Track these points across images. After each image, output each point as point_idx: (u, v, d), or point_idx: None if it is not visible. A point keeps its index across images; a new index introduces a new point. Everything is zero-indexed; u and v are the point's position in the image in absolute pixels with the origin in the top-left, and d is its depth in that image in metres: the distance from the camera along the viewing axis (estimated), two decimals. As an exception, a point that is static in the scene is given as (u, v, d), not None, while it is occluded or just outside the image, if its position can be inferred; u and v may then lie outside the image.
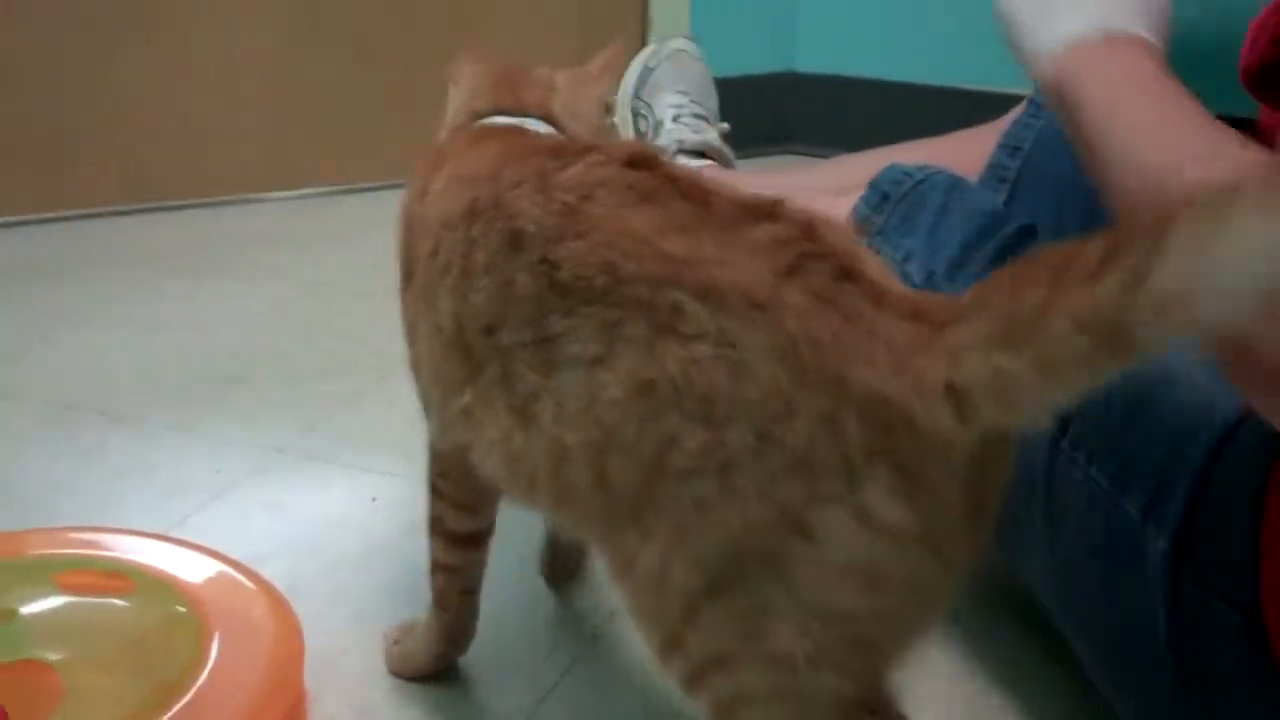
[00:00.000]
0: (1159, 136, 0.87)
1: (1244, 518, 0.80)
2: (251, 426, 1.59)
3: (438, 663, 1.15)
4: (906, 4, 2.58)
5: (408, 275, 1.05)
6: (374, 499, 1.44)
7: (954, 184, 1.28)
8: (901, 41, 2.53)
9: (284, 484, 1.47)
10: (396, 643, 1.17)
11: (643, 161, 0.89)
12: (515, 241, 0.90)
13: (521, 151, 0.96)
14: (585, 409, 0.84)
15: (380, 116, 2.36)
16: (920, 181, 1.29)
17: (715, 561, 0.80)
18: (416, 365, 1.05)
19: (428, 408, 1.06)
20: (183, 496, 1.42)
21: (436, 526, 1.13)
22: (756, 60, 2.66)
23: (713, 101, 1.96)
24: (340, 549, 1.34)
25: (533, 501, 0.91)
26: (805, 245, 0.80)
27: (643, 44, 2.40)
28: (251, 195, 2.39)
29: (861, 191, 1.32)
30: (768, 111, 2.64)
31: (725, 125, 1.94)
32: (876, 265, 0.81)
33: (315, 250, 2.19)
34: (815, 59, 2.71)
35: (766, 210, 0.83)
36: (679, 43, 2.07)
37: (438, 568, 1.14)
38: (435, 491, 1.12)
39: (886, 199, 1.29)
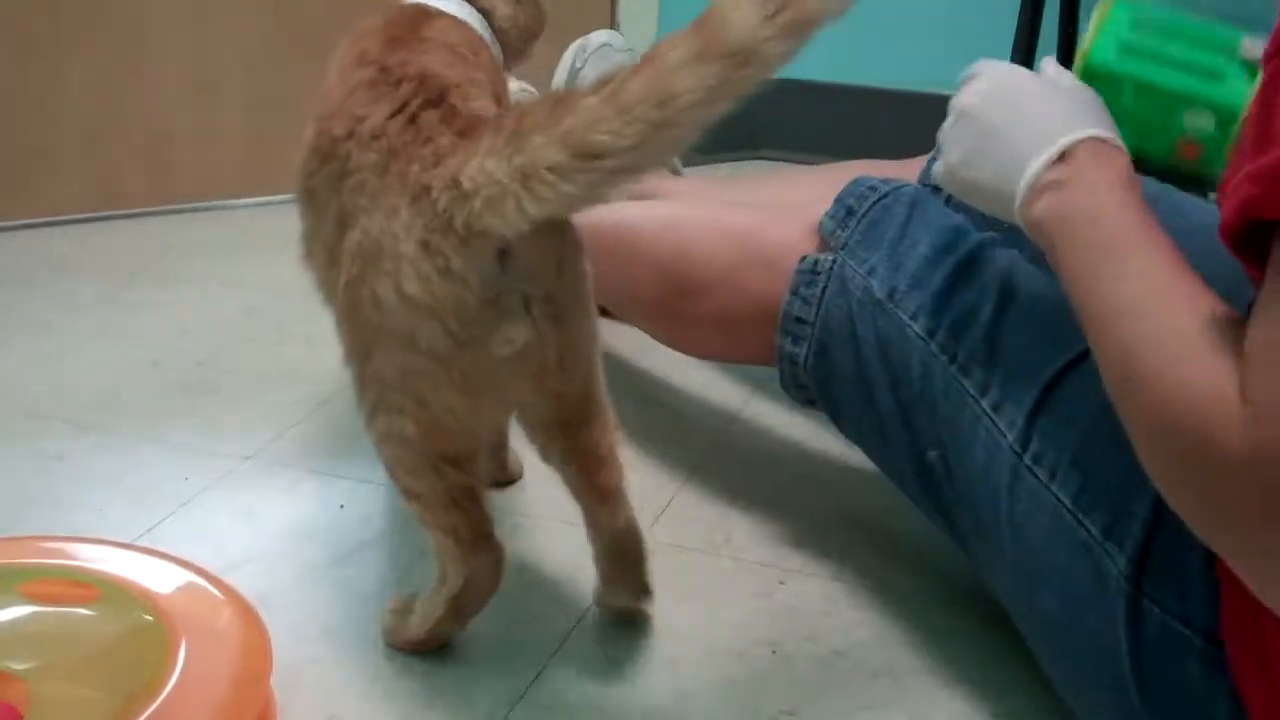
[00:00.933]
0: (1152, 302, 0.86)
1: (1201, 543, 0.81)
2: (219, 434, 1.59)
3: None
4: (876, 6, 2.59)
5: None
6: (342, 506, 1.43)
7: (918, 198, 1.28)
8: (871, 44, 2.53)
9: (252, 491, 1.46)
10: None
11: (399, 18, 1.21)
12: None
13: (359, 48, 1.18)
14: (325, 245, 1.13)
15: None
16: (884, 195, 1.29)
17: (343, 329, 1.09)
18: None
19: None
20: (150, 505, 1.42)
21: None
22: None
23: None
24: (309, 557, 1.33)
25: None
26: (415, 88, 1.06)
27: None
28: (220, 201, 2.38)
29: (829, 202, 1.32)
30: (733, 115, 2.63)
31: None
32: (473, 97, 1.08)
33: (284, 256, 2.16)
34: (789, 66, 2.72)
35: (416, 75, 1.09)
36: (603, 36, 2.07)
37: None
38: None
39: (851, 213, 1.30)
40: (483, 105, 1.10)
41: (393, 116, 1.05)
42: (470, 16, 1.30)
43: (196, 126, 2.35)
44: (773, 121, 2.66)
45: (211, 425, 1.61)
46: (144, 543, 1.31)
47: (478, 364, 1.02)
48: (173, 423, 1.61)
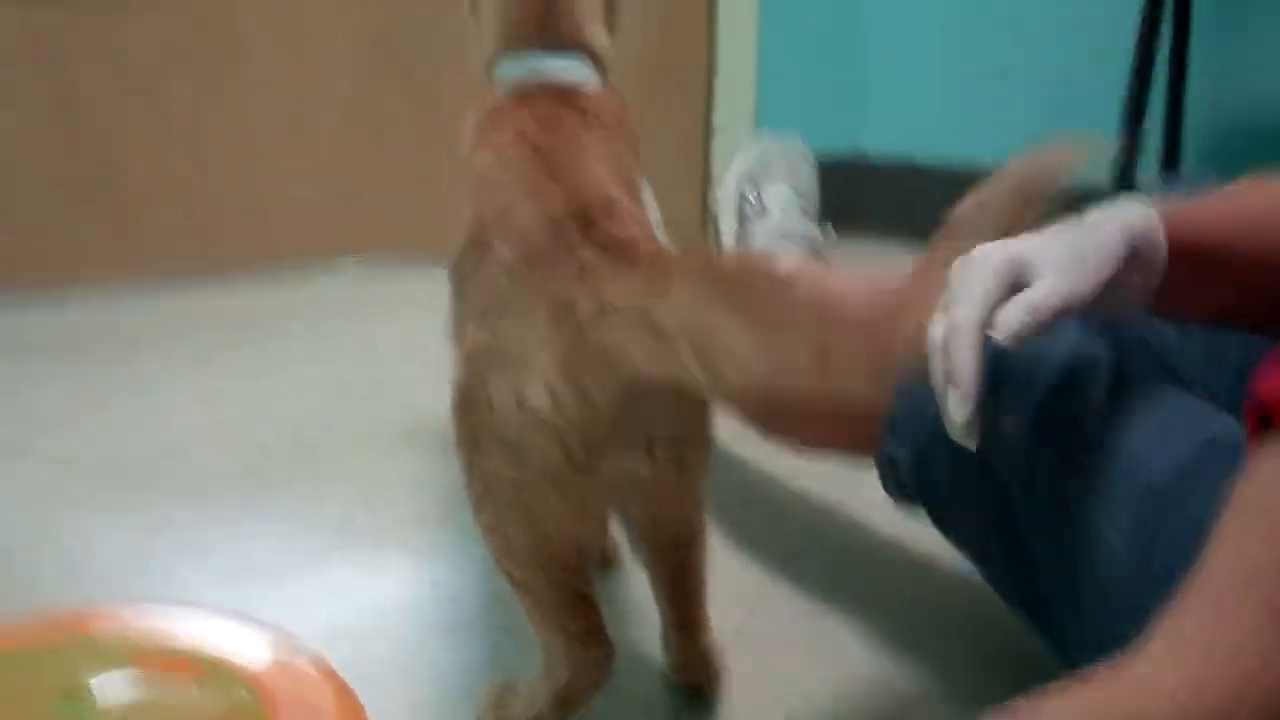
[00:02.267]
0: None
1: None
2: (313, 503, 1.59)
3: None
4: (977, 85, 2.59)
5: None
6: (434, 582, 1.43)
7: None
8: (973, 124, 2.53)
9: (345, 565, 1.47)
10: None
11: (557, 112, 1.15)
12: None
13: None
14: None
15: (445, 187, 2.38)
16: None
17: (454, 419, 1.05)
18: None
19: None
20: (245, 575, 1.42)
21: None
22: (823, 141, 2.67)
23: (816, 205, 1.96)
24: (401, 633, 1.33)
25: None
26: (572, 195, 1.03)
27: (708, 121, 2.42)
28: (316, 264, 2.41)
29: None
30: (834, 196, 2.65)
31: (829, 224, 1.94)
32: (626, 207, 1.04)
33: (380, 321, 2.20)
34: (884, 141, 2.71)
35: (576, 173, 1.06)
36: (795, 142, 2.08)
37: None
38: None
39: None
40: (636, 217, 1.06)
41: (541, 217, 1.03)
42: (587, 69, 1.26)
43: (293, 190, 2.38)
44: (871, 201, 2.66)
45: (307, 495, 1.62)
46: (239, 613, 1.31)
47: (587, 488, 1.01)
48: (270, 491, 1.63)
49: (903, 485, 1.32)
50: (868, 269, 1.77)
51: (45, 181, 2.24)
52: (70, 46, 2.19)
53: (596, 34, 1.27)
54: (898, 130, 2.69)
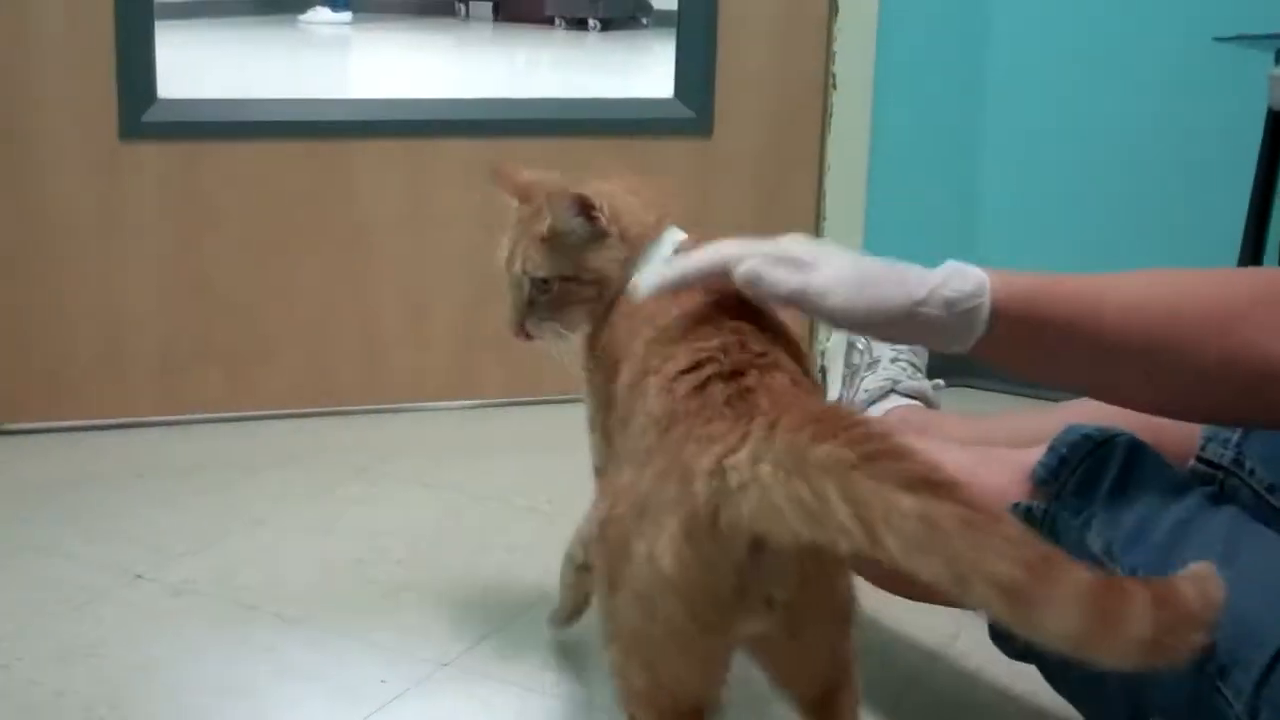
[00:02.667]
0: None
1: None
2: (418, 636, 1.61)
3: None
4: (1090, 218, 2.57)
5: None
6: (540, 717, 1.43)
7: (1134, 449, 1.25)
8: (1089, 257, 2.50)
9: (448, 699, 1.47)
10: None
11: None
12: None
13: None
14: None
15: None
16: (1100, 445, 1.26)
17: (600, 530, 1.08)
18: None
19: None
20: (350, 705, 1.43)
21: None
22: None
23: (926, 355, 1.96)
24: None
25: None
26: (715, 353, 1.06)
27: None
28: (428, 403, 2.45)
29: (1043, 447, 1.30)
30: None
31: (940, 382, 1.93)
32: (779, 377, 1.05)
33: (489, 461, 2.23)
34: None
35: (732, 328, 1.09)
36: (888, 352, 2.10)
37: None
38: None
39: (1064, 462, 1.27)
40: (780, 382, 1.06)
41: (686, 372, 1.05)
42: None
43: (409, 329, 2.43)
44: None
45: (411, 627, 1.63)
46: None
47: (712, 646, 1.03)
48: (374, 621, 1.64)
49: (1010, 635, 1.30)
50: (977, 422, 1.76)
51: (173, 322, 2.32)
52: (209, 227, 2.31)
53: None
54: (1008, 264, 2.66)
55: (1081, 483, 1.24)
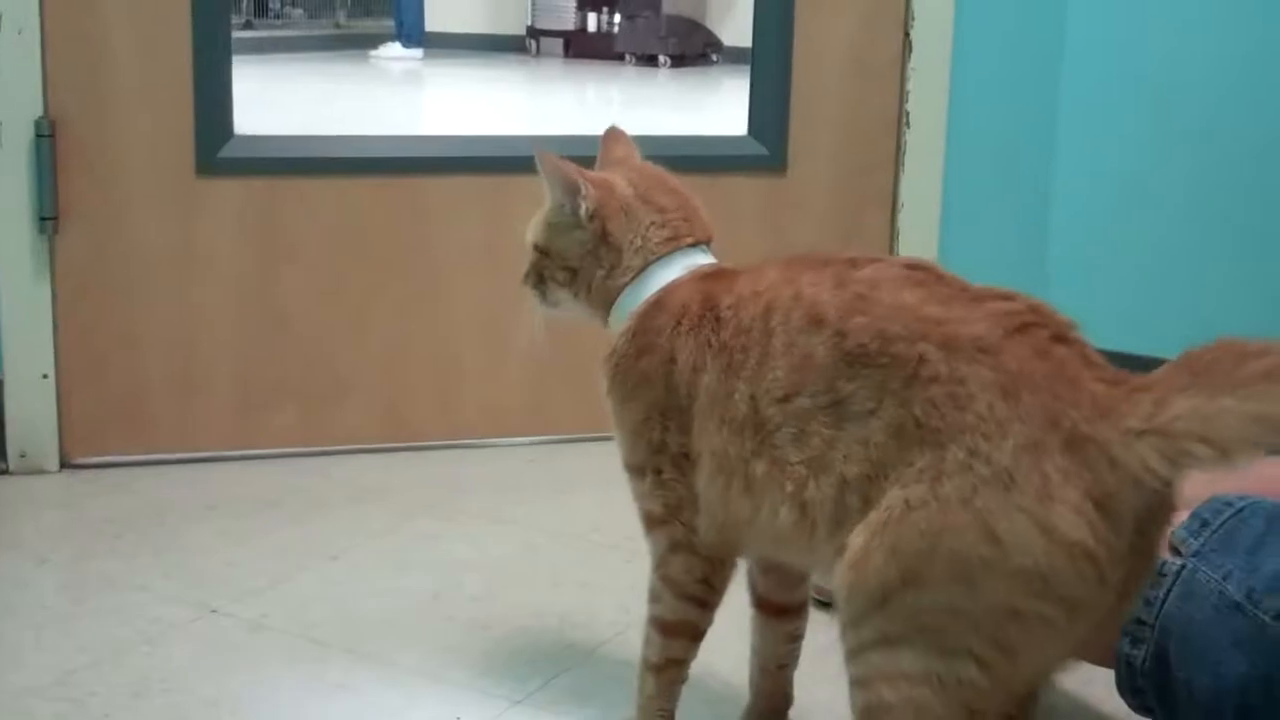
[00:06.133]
0: None
1: None
2: (491, 674, 1.60)
3: None
4: (1166, 254, 2.54)
5: (668, 406, 1.29)
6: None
7: (1276, 513, 1.27)
8: (1157, 316, 2.48)
9: (522, 737, 1.46)
10: None
11: (920, 265, 1.17)
12: (815, 321, 1.14)
13: (813, 263, 1.21)
14: (864, 450, 1.08)
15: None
16: (1241, 509, 1.29)
17: (909, 556, 1.02)
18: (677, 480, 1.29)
19: (685, 521, 1.29)
20: (423, 744, 1.43)
21: (684, 630, 1.34)
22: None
23: None
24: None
25: (807, 543, 1.14)
26: (1030, 315, 1.08)
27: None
28: (503, 438, 2.45)
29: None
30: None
31: None
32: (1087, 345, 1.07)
33: (564, 496, 2.22)
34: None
35: (1004, 293, 1.11)
36: None
37: (672, 664, 1.34)
38: (693, 599, 1.32)
39: (1205, 525, 1.29)
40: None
41: (1010, 336, 1.06)
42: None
43: (484, 365, 2.43)
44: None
45: (485, 664, 1.63)
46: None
47: (1093, 618, 1.03)
48: (448, 658, 1.64)
49: (1138, 690, 1.30)
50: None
51: (249, 357, 2.34)
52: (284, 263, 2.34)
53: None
54: (1080, 302, 2.64)
55: (1221, 541, 1.27)
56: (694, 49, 10.08)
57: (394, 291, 2.38)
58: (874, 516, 1.06)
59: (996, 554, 0.99)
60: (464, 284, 2.40)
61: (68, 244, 2.21)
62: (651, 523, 1.35)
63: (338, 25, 10.65)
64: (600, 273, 1.38)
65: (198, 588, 1.83)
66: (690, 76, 9.59)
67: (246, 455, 2.34)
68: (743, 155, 2.47)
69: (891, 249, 2.53)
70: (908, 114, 2.49)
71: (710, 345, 1.24)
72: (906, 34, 2.47)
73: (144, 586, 1.83)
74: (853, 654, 1.08)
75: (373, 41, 9.86)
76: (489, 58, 10.01)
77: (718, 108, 8.47)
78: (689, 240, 1.37)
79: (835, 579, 1.09)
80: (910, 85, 2.48)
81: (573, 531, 2.06)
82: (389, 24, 9.88)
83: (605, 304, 1.40)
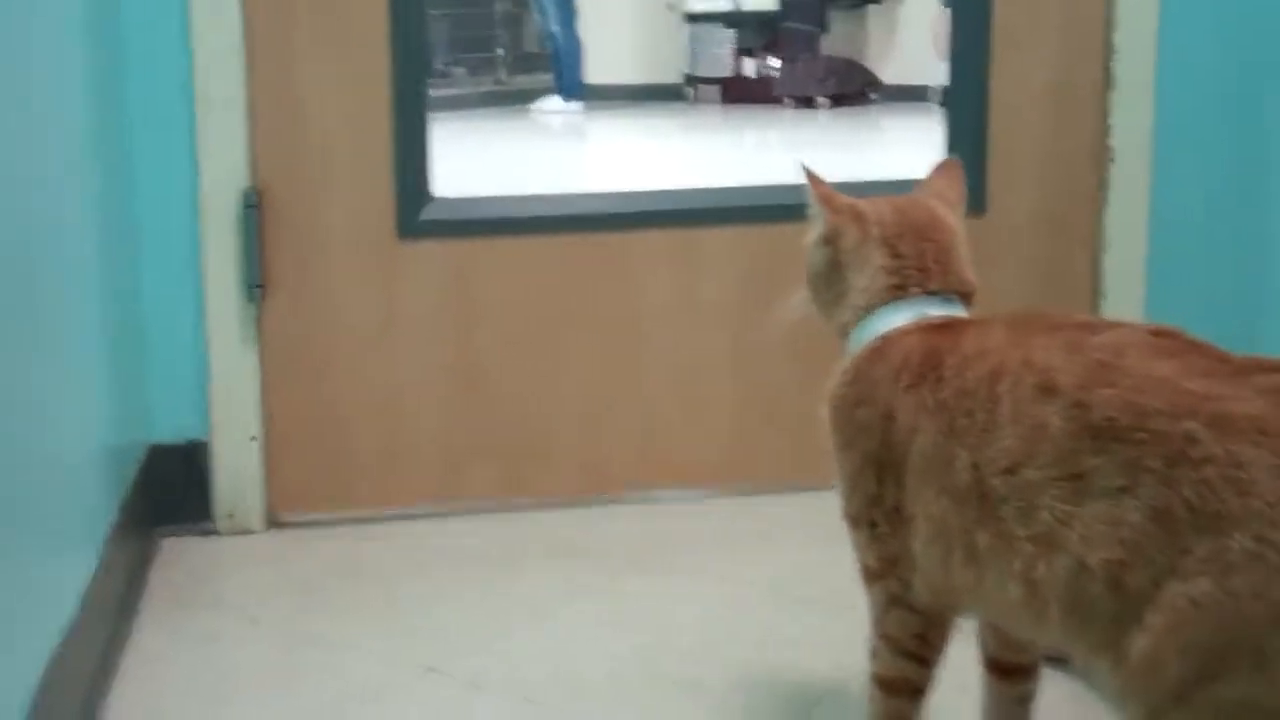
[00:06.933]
0: None
1: None
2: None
3: None
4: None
5: (885, 461, 1.26)
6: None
7: None
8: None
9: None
10: None
11: (1166, 331, 1.12)
12: (1047, 390, 1.09)
13: (1045, 326, 1.18)
14: (1112, 531, 1.03)
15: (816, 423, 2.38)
16: None
17: (1205, 652, 0.97)
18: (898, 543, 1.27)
19: (900, 576, 1.27)
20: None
21: (903, 687, 1.31)
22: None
23: None
24: None
25: (1037, 620, 1.10)
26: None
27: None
28: (706, 491, 2.43)
29: None
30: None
31: None
32: None
33: (765, 552, 2.19)
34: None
35: (1273, 364, 1.04)
36: None
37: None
38: (910, 656, 1.30)
39: None
40: None
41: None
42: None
43: (684, 418, 2.42)
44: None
45: (706, 725, 1.60)
46: None
47: None
48: (665, 717, 1.63)
49: None
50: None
51: (450, 416, 2.36)
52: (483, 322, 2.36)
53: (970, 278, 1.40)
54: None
55: None
56: (852, 88, 10.04)
57: (591, 346, 2.38)
58: (1155, 620, 1.00)
59: None
60: (659, 338, 2.40)
61: (274, 310, 2.26)
62: (869, 576, 1.33)
63: (498, 82, 10.81)
64: (831, 298, 1.40)
65: (412, 646, 1.83)
66: (849, 117, 9.54)
67: (449, 513, 2.35)
68: (941, 196, 2.43)
69: (1095, 290, 2.46)
70: (1111, 149, 2.42)
71: (927, 405, 1.21)
72: (1107, 67, 2.40)
73: (358, 645, 1.84)
74: None
75: (532, 96, 9.99)
76: (648, 107, 10.07)
77: (881, 146, 8.42)
78: (918, 290, 1.34)
79: (1116, 682, 1.04)
80: (1113, 119, 2.42)
81: (777, 587, 2.02)
82: (548, 78, 10.00)
83: (840, 330, 1.40)
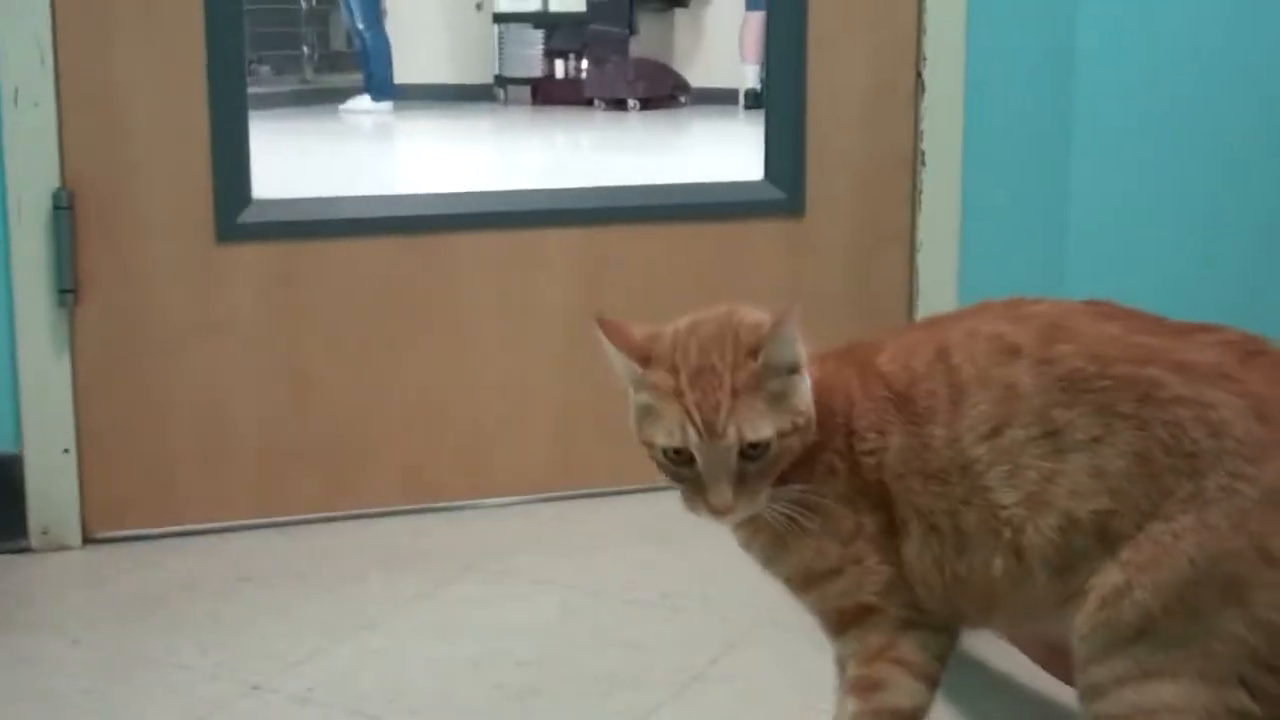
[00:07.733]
0: None
1: None
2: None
3: None
4: (1184, 288, 2.55)
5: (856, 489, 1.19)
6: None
7: None
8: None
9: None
10: None
11: (1098, 301, 1.17)
12: (1010, 351, 1.11)
13: (970, 311, 1.21)
14: (1098, 483, 1.06)
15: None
16: None
17: (1176, 587, 1.01)
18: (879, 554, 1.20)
19: (905, 599, 1.20)
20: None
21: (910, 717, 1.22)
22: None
23: None
24: None
25: (1016, 589, 1.12)
26: (1250, 345, 1.08)
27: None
28: (530, 497, 2.42)
29: None
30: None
31: None
32: None
33: (599, 554, 2.19)
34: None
35: (1206, 326, 1.10)
36: None
37: None
38: (929, 679, 1.22)
39: None
40: None
41: (1245, 362, 1.06)
42: None
43: (510, 425, 2.41)
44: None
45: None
46: None
47: None
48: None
49: None
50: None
51: (273, 423, 2.31)
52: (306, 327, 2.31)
53: None
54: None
55: None
56: (662, 91, 10.10)
57: (417, 351, 2.35)
58: (1130, 555, 1.04)
59: (1275, 575, 0.99)
60: (486, 342, 2.38)
61: (88, 316, 2.18)
62: (861, 615, 1.22)
63: (305, 81, 10.61)
64: None
65: (238, 663, 1.79)
66: (659, 119, 9.61)
67: (273, 523, 2.30)
68: (760, 200, 2.47)
69: (911, 288, 2.52)
70: (923, 153, 2.48)
71: (884, 410, 1.17)
72: (919, 73, 2.47)
73: (184, 665, 1.79)
74: (1098, 691, 1.06)
75: (341, 96, 9.83)
76: (458, 108, 10.00)
77: (689, 149, 8.50)
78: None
79: (1075, 620, 1.07)
80: (924, 124, 2.48)
81: (612, 590, 2.03)
82: (357, 78, 9.84)
83: None
